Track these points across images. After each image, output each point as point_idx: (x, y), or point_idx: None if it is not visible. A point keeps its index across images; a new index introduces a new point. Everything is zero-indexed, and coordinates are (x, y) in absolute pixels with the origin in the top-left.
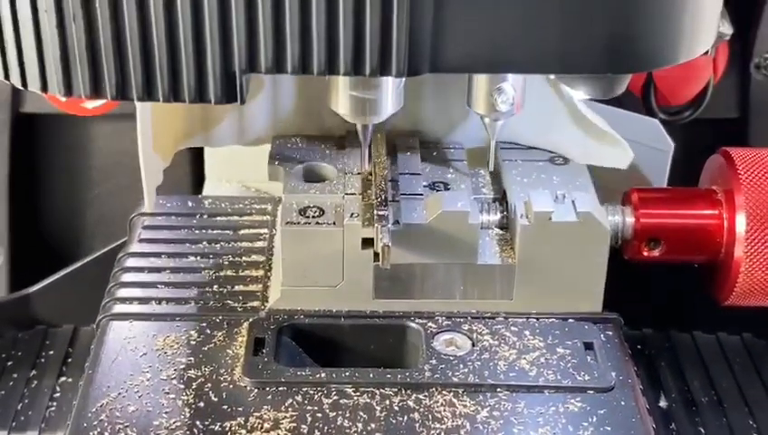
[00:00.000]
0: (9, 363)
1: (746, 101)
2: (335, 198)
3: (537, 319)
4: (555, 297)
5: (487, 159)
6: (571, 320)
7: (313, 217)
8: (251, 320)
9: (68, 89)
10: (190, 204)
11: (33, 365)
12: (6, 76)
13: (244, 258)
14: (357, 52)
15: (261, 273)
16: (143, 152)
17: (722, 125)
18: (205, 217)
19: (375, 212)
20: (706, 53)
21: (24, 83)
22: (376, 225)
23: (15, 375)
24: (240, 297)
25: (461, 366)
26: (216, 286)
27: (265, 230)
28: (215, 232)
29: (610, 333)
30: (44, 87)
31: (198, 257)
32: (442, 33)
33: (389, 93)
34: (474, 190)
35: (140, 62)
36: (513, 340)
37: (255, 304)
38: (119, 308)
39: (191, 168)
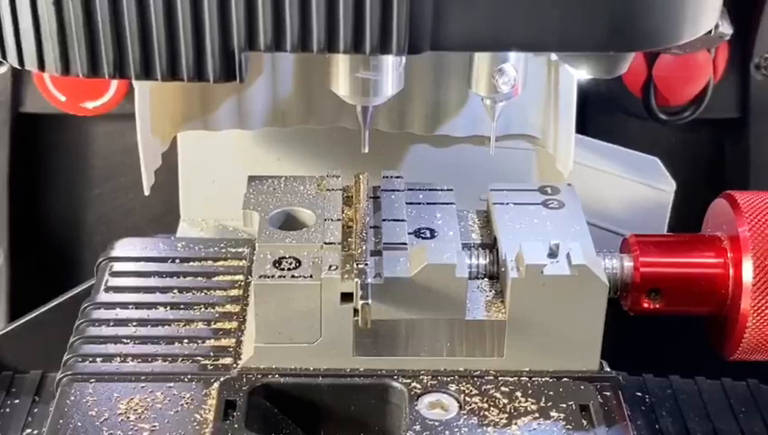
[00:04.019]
0: None
1: (746, 101)
2: (313, 248)
3: (530, 378)
4: (549, 354)
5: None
6: (565, 379)
7: (289, 268)
8: (221, 380)
9: (65, 67)
10: (162, 246)
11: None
12: (3, 56)
13: (217, 308)
14: (357, 29)
15: (234, 325)
16: (141, 135)
17: (722, 125)
18: (177, 262)
19: (354, 265)
20: (708, 50)
21: (21, 62)
22: (355, 280)
23: None
24: (211, 353)
25: (447, 433)
26: (185, 341)
27: (240, 277)
28: (187, 279)
29: (608, 393)
30: (42, 66)
31: (168, 308)
32: (443, 10)
33: (390, 74)
34: (462, 235)
35: (138, 39)
36: (504, 402)
37: (227, 361)
38: (80, 366)
39: None
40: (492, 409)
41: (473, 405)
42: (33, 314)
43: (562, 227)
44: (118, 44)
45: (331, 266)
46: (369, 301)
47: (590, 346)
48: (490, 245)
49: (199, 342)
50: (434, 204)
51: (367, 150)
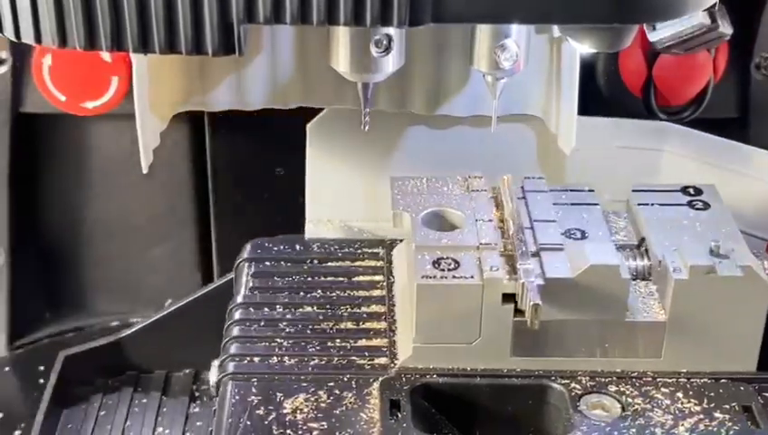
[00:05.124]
0: (102, 413)
1: (746, 101)
2: (469, 249)
3: (688, 379)
4: (707, 355)
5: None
6: (724, 380)
7: (449, 269)
8: (381, 379)
9: (62, 40)
10: (297, 247)
11: (127, 414)
12: (0, 29)
13: (363, 308)
14: (357, 0)
15: (384, 325)
16: (140, 113)
17: (722, 125)
18: (315, 262)
19: (518, 265)
20: (708, 50)
21: (18, 35)
22: (522, 280)
23: (109, 427)
24: (366, 353)
25: (615, 433)
26: (338, 340)
27: (381, 277)
28: (328, 279)
29: None
30: (38, 38)
31: (315, 307)
32: None
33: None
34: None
35: (136, 11)
36: (666, 403)
37: (383, 360)
38: (239, 366)
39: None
40: (656, 410)
41: (636, 406)
42: (155, 318)
43: (712, 227)
44: (115, 17)
45: (492, 267)
46: (540, 301)
47: (750, 347)
48: (637, 245)
49: (351, 341)
50: (579, 204)
51: (367, 129)
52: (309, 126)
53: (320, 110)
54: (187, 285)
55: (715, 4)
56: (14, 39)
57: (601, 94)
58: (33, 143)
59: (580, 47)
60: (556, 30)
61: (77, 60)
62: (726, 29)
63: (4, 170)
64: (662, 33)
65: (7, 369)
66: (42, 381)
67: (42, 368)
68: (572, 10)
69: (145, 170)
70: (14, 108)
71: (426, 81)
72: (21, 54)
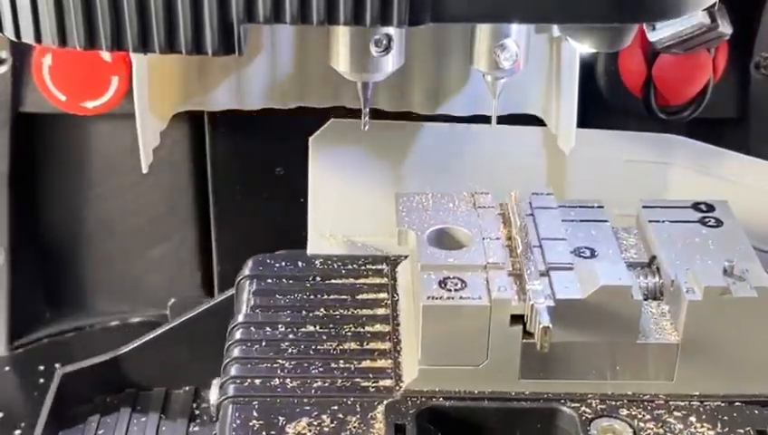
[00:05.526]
0: (100, 432)
1: (746, 101)
2: (476, 268)
3: (701, 402)
4: (721, 377)
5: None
6: (738, 403)
7: (456, 289)
8: (386, 403)
9: (62, 40)
10: (300, 264)
11: (127, 432)
12: (0, 28)
13: (367, 328)
14: (357, 0)
15: (388, 346)
16: (140, 113)
17: (722, 125)
18: (318, 279)
19: (527, 286)
20: (708, 50)
21: (18, 35)
22: (531, 301)
23: None
24: (370, 375)
25: None
26: (341, 361)
27: (385, 295)
28: (331, 298)
29: None
30: (38, 38)
31: (318, 327)
32: None
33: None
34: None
35: (136, 11)
36: (679, 427)
37: (388, 382)
38: (240, 389)
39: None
40: (668, 434)
41: (648, 431)
42: (155, 334)
43: (725, 246)
44: (115, 17)
45: (500, 287)
46: (550, 324)
47: (765, 369)
48: (647, 263)
49: (355, 363)
50: (588, 221)
51: (366, 129)
52: (311, 139)
53: (320, 110)
54: (187, 285)
55: (714, 3)
56: (14, 39)
57: (601, 94)
58: (33, 143)
59: (580, 47)
60: (556, 30)
61: (77, 60)
62: (726, 29)
63: (5, 170)
64: (662, 32)
65: (7, 369)
66: (42, 380)
67: (42, 368)
68: (572, 10)
69: (145, 170)
70: (14, 108)
71: (426, 80)
72: (21, 54)
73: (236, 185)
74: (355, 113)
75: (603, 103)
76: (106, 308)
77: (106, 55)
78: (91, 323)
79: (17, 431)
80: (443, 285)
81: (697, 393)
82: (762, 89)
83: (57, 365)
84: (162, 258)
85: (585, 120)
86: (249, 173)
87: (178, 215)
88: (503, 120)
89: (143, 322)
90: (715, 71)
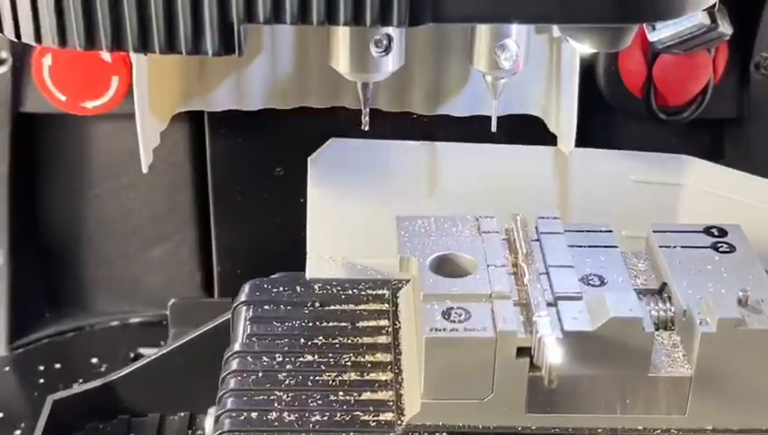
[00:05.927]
0: None
1: (746, 101)
2: (481, 297)
3: None
4: (734, 411)
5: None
6: None
7: (460, 320)
8: None
9: (62, 40)
10: (298, 289)
11: None
12: (0, 28)
13: (368, 357)
14: (357, 0)
15: (389, 376)
16: (140, 113)
17: (722, 125)
18: (317, 305)
19: (534, 317)
20: (708, 50)
21: (18, 35)
22: (539, 335)
23: None
24: (371, 408)
25: None
26: (340, 393)
27: (386, 322)
28: (330, 324)
29: None
30: (38, 38)
31: (316, 356)
32: None
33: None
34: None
35: (136, 11)
36: None
37: (389, 416)
38: (236, 423)
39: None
40: None
41: None
42: (150, 359)
43: (739, 273)
44: (115, 17)
45: (505, 319)
46: (559, 359)
47: None
48: (658, 290)
49: (355, 395)
50: (596, 247)
51: (367, 129)
52: (310, 159)
53: (320, 110)
54: (187, 285)
55: (714, 4)
56: (14, 39)
57: (601, 94)
58: (33, 143)
59: (580, 47)
60: (556, 30)
61: (77, 60)
62: (726, 29)
63: (4, 170)
64: (662, 33)
65: (7, 369)
66: (42, 380)
67: (42, 368)
68: (572, 10)
69: (145, 170)
70: (14, 108)
71: (425, 80)
72: (21, 54)
73: (236, 185)
74: (355, 120)
75: (603, 103)
76: (106, 308)
77: (106, 55)
78: (91, 323)
79: (17, 431)
80: (446, 316)
81: (711, 428)
82: (762, 89)
83: (57, 365)
84: (162, 258)
85: (585, 120)
86: (249, 173)
87: (178, 215)
88: (503, 120)
89: (143, 322)
90: (715, 71)
